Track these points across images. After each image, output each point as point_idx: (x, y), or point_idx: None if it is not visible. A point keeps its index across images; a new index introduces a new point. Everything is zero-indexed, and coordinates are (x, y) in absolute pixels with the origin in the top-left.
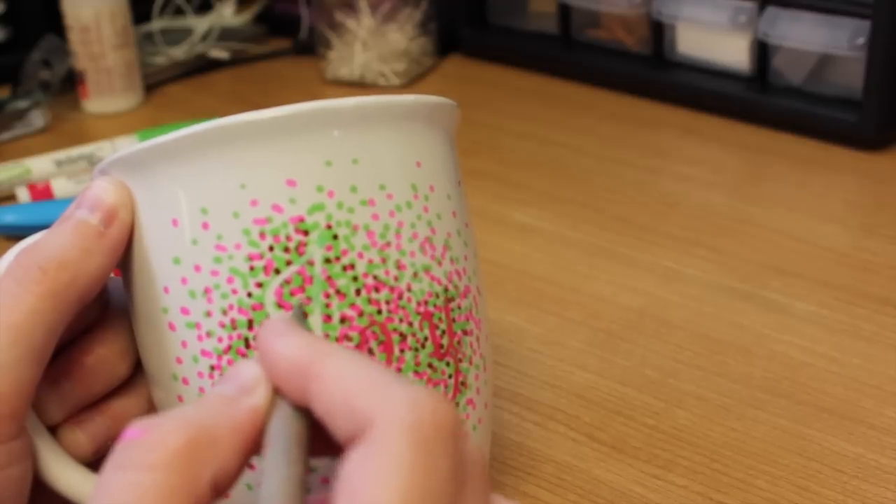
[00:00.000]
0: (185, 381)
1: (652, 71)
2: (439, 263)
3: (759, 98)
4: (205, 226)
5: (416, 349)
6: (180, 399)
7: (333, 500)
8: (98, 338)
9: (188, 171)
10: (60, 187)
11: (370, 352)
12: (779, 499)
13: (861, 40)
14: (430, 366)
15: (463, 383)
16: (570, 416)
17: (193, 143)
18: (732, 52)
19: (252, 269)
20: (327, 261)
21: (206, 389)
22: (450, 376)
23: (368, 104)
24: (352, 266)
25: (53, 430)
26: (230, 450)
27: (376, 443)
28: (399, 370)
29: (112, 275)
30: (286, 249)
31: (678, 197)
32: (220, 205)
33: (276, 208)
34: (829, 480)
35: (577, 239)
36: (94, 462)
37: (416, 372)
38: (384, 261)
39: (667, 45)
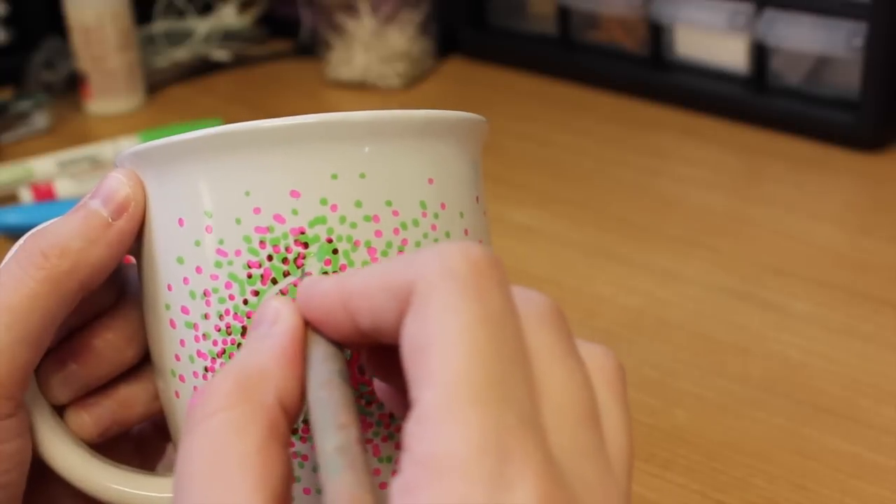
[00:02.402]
0: (181, 379)
1: (650, 72)
2: None
3: (757, 99)
4: (208, 229)
5: None
6: (177, 395)
7: (405, 368)
8: (108, 323)
9: (197, 172)
10: (63, 188)
11: (360, 369)
12: (777, 497)
13: (858, 42)
14: None
15: None
16: None
17: (203, 146)
18: (730, 53)
19: (250, 276)
20: (325, 275)
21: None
22: None
23: (379, 118)
24: None
25: (61, 412)
26: (280, 371)
27: (422, 300)
28: None
29: (125, 262)
30: (284, 260)
31: (677, 198)
32: (224, 210)
33: (278, 218)
34: (826, 479)
35: (577, 239)
36: (101, 446)
37: None
38: None
39: (665, 47)
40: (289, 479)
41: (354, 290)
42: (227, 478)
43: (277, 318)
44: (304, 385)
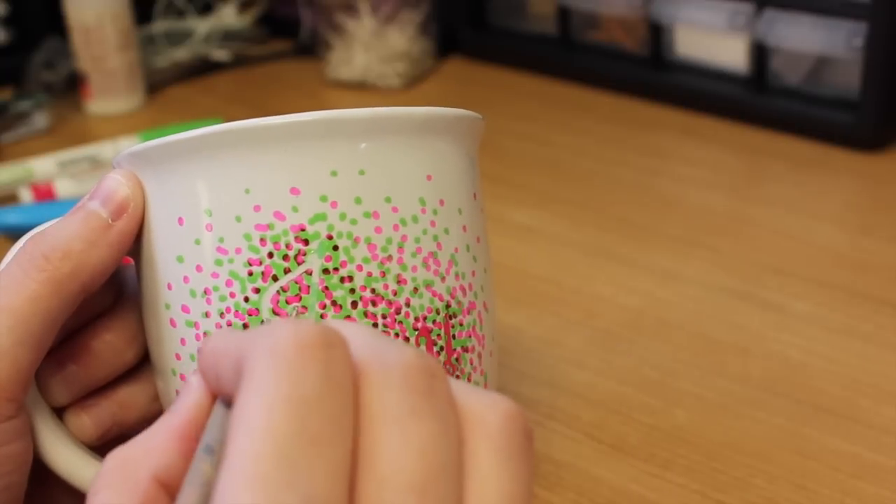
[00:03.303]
0: (182, 378)
1: (650, 72)
2: (443, 279)
3: (757, 99)
4: (208, 227)
5: None
6: (178, 394)
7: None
8: (107, 324)
9: (196, 171)
10: (63, 188)
11: None
12: (777, 497)
13: (858, 42)
14: None
15: None
16: (570, 416)
17: (202, 144)
18: (730, 53)
19: (250, 274)
20: (325, 271)
21: None
22: None
23: (378, 115)
24: (350, 278)
25: (61, 414)
26: (163, 449)
27: (246, 377)
28: None
29: (124, 262)
30: (285, 257)
31: (677, 197)
32: (224, 208)
33: (278, 215)
34: (826, 479)
35: (577, 239)
36: (101, 447)
37: None
38: (384, 274)
39: (665, 47)
40: None
41: (217, 352)
42: None
43: (185, 393)
44: (186, 462)
